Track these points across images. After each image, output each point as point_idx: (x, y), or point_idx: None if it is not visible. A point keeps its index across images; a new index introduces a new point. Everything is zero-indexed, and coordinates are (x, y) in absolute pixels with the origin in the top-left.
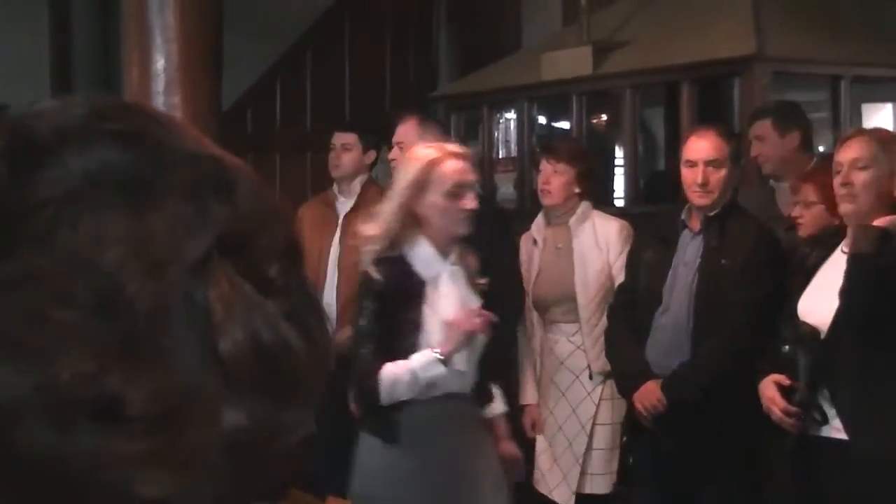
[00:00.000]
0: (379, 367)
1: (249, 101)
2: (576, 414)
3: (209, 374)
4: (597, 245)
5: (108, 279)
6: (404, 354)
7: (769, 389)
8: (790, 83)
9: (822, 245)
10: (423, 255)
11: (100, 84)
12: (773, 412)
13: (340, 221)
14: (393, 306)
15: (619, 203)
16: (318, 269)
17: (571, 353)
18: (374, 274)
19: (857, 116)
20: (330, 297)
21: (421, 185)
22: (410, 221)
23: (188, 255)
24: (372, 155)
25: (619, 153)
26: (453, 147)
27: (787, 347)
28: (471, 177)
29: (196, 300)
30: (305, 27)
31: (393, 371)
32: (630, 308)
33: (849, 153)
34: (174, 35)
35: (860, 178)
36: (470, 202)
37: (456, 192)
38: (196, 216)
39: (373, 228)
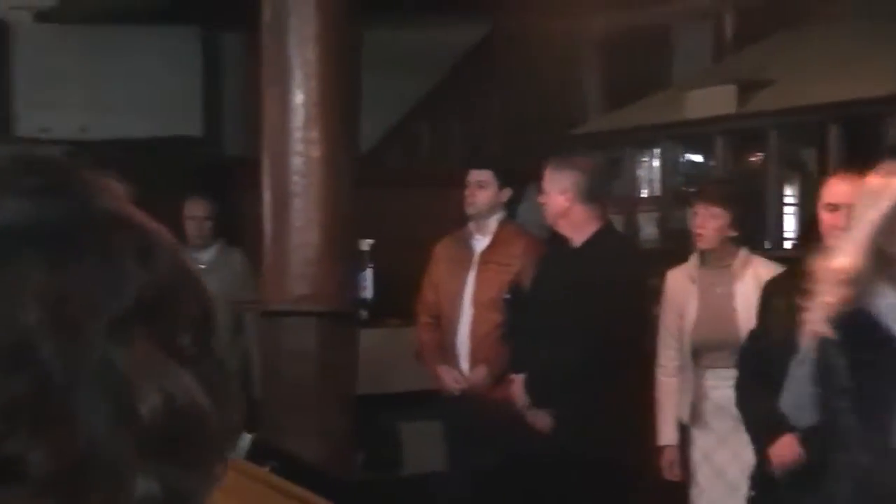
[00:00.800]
0: None
1: (394, 138)
2: (739, 461)
3: (119, 439)
4: (758, 291)
5: (23, 336)
6: (877, 444)
7: None
8: None
9: None
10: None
11: (248, 119)
12: None
13: (476, 259)
14: (859, 379)
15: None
16: (454, 307)
17: (733, 399)
18: (833, 335)
19: None
20: (464, 335)
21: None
22: (879, 263)
23: (106, 316)
24: (507, 192)
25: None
26: None
27: None
28: None
29: (112, 362)
30: (450, 65)
31: None
32: (761, 357)
33: None
34: (313, 71)
35: None
36: None
37: None
38: (115, 277)
39: (837, 275)
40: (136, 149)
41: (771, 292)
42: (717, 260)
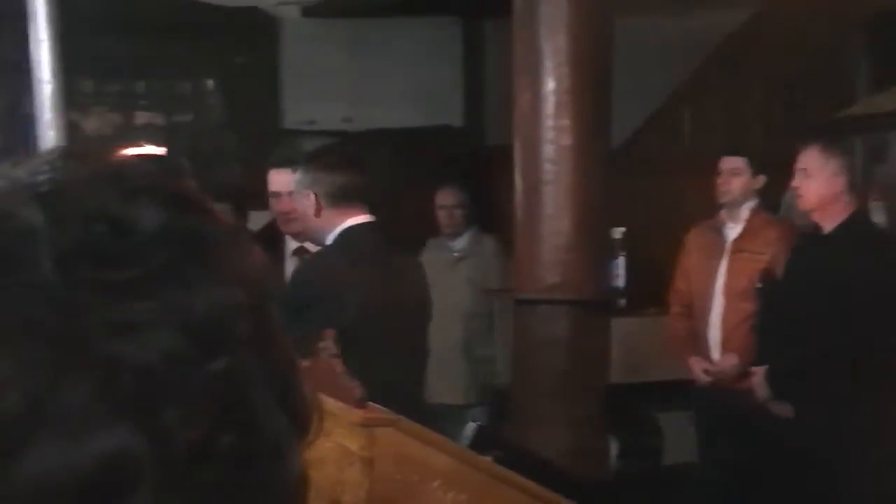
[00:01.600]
0: None
1: (654, 126)
2: None
3: (285, 428)
4: None
5: (225, 315)
6: None
7: None
8: None
9: None
10: None
11: (507, 108)
12: None
13: (728, 248)
14: None
15: None
16: (706, 296)
17: None
18: None
19: None
20: (715, 325)
21: None
22: None
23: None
24: (761, 180)
25: None
26: None
27: None
28: None
29: (269, 358)
30: (711, 48)
31: None
32: None
33: None
34: (565, 58)
35: None
36: None
37: None
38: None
39: None
40: (398, 139)
41: None
42: None
